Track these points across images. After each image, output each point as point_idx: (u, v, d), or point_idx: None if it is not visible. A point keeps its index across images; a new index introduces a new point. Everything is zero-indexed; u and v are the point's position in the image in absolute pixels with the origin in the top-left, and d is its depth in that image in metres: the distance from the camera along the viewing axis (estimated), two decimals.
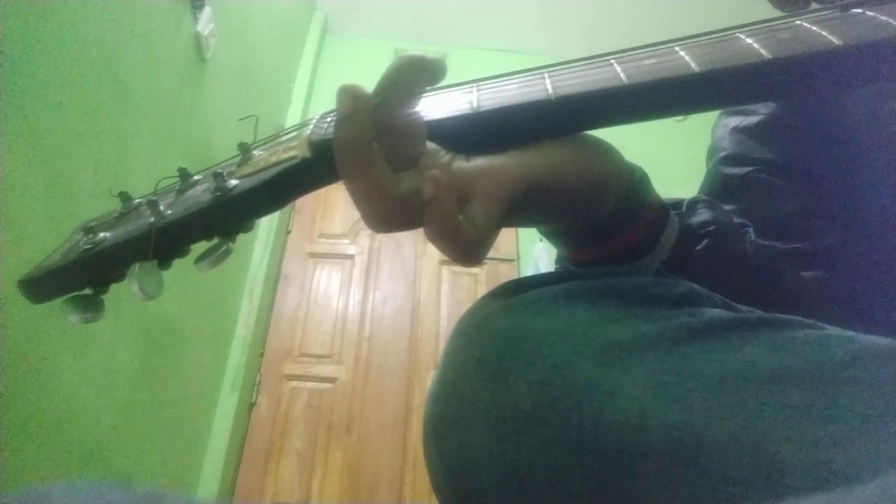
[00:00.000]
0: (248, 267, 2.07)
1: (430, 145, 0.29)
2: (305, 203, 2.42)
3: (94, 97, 1.01)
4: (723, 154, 0.49)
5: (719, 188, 0.48)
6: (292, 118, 2.46)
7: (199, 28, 1.43)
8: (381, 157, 0.27)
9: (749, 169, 0.47)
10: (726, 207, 0.44)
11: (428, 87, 0.30)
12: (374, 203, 0.27)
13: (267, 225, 2.19)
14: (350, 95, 0.27)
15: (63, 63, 0.92)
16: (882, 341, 0.24)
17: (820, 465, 0.19)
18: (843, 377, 0.22)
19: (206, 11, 1.45)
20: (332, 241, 2.42)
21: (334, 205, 2.45)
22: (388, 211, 0.27)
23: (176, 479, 1.52)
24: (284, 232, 2.39)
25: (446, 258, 0.28)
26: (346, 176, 0.27)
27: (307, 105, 2.61)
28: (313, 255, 2.38)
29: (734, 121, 0.50)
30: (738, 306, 0.30)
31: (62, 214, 0.91)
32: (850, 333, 0.25)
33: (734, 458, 0.21)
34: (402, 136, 0.28)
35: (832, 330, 0.26)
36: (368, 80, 0.29)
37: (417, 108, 0.29)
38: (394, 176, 0.27)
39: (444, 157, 0.29)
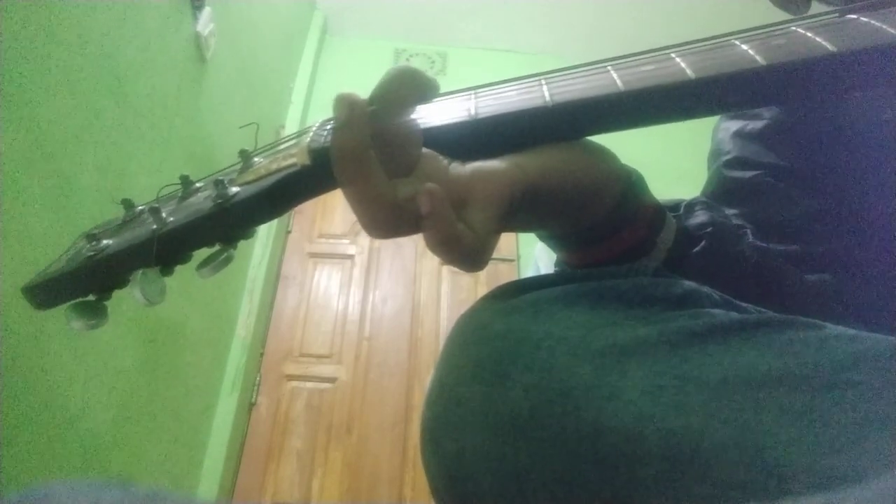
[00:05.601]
0: (248, 267, 2.07)
1: (427, 151, 0.29)
2: (305, 203, 2.40)
3: (94, 97, 1.01)
4: (726, 158, 0.49)
5: (724, 191, 0.48)
6: (292, 118, 2.45)
7: (199, 28, 1.43)
8: (378, 164, 0.27)
9: (755, 173, 0.46)
10: (730, 211, 0.44)
11: (419, 103, 0.31)
12: (371, 210, 0.27)
13: (267, 225, 2.18)
14: (347, 104, 0.27)
15: (63, 63, 0.92)
16: (885, 340, 0.23)
17: (820, 469, 0.19)
18: (843, 380, 0.22)
19: (206, 11, 1.45)
20: (332, 241, 2.42)
21: (334, 205, 2.44)
22: (386, 217, 0.27)
23: (176, 479, 1.52)
24: (284, 232, 2.39)
25: None
26: (344, 183, 0.27)
27: (307, 105, 2.60)
28: (313, 255, 2.38)
29: (736, 125, 0.50)
30: (740, 304, 0.30)
31: (62, 215, 0.91)
32: (852, 332, 0.25)
33: (733, 462, 0.20)
34: (399, 144, 0.28)
35: (834, 329, 0.25)
36: (368, 81, 0.30)
37: (414, 116, 0.30)
38: (391, 182, 0.28)
39: (442, 162, 0.29)
